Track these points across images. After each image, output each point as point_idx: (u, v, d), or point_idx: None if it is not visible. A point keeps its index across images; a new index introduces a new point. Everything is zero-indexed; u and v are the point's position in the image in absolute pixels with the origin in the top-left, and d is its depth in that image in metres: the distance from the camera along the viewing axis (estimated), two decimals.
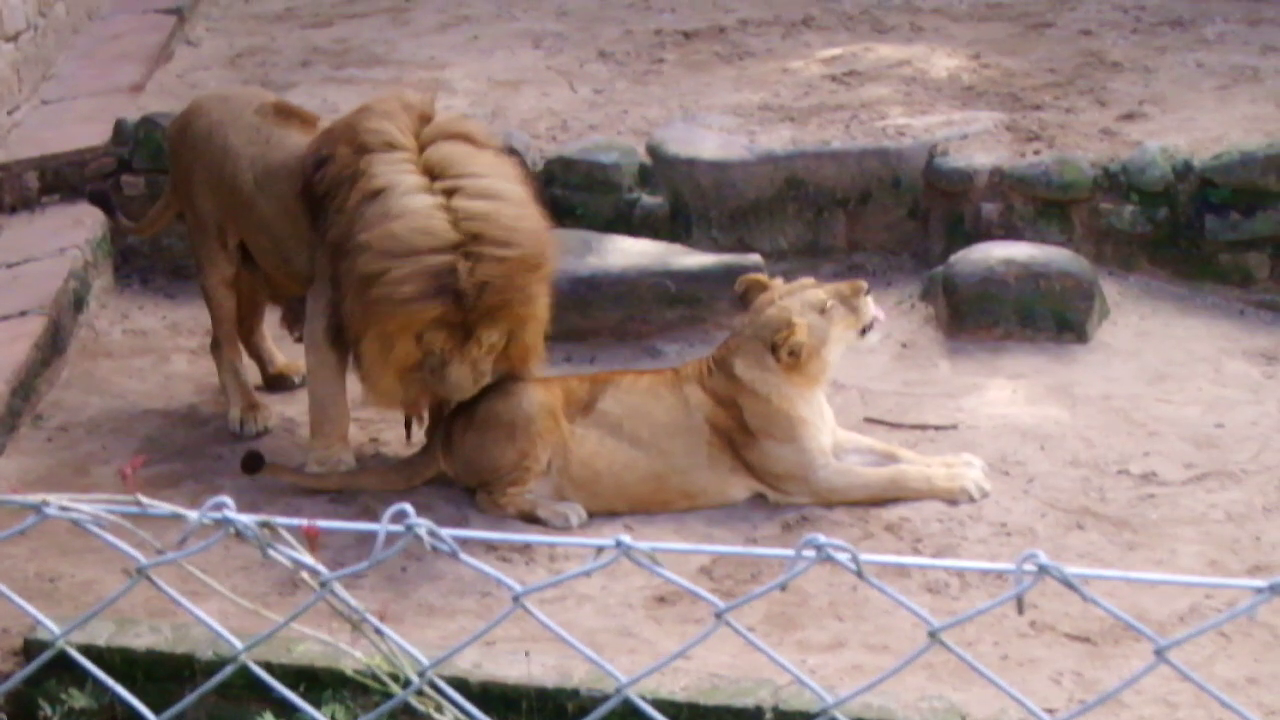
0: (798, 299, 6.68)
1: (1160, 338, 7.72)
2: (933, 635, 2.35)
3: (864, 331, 6.74)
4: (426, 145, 6.70)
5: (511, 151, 7.91)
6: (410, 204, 6.49)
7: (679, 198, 8.31)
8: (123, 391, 7.66)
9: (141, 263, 8.56)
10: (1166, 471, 6.80)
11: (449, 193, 6.53)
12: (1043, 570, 2.24)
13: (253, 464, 6.75)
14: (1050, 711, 5.42)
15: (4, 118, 8.77)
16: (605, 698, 5.55)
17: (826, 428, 6.75)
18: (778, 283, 6.83)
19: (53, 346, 7.70)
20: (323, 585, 2.35)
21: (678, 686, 5.54)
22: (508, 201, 6.59)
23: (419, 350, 6.52)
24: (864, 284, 6.80)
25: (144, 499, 2.37)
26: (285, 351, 7.66)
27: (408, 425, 6.99)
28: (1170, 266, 8.03)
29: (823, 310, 6.65)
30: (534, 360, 6.73)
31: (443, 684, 2.48)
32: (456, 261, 6.40)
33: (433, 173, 6.61)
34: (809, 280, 6.88)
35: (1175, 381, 7.41)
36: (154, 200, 8.24)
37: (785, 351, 6.57)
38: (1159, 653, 2.29)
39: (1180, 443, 6.98)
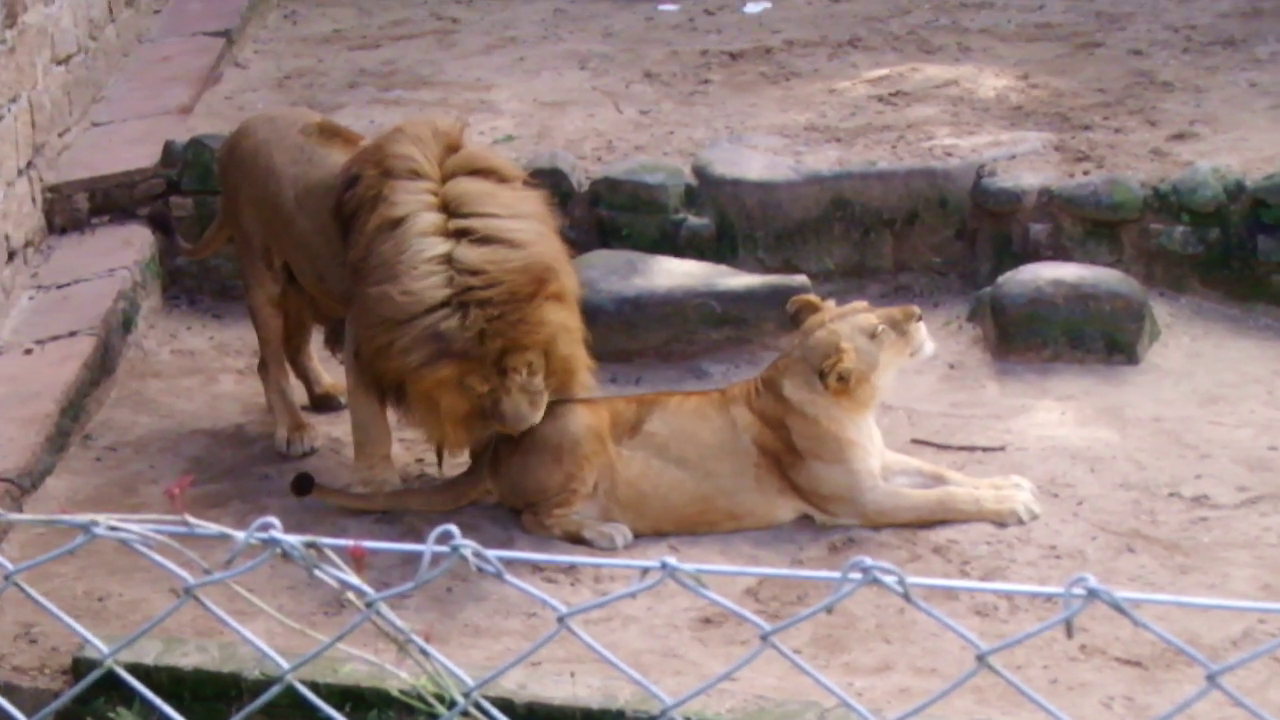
0: (848, 323, 6.65)
1: (1212, 359, 7.67)
2: (981, 659, 2.33)
3: (914, 355, 6.72)
4: (450, 177, 6.73)
5: (555, 174, 7.92)
6: (416, 252, 6.55)
7: (725, 218, 8.29)
8: (171, 411, 7.68)
9: (189, 283, 8.58)
10: (1219, 494, 6.75)
11: (459, 234, 6.58)
12: (1093, 594, 2.21)
13: (302, 486, 6.76)
14: None
15: (54, 140, 8.81)
16: (651, 719, 5.54)
17: (875, 449, 6.73)
18: (829, 304, 6.80)
19: (102, 367, 7.73)
20: (369, 606, 2.34)
21: (723, 708, 5.53)
22: (505, 244, 6.60)
23: (465, 400, 6.55)
24: (916, 309, 6.76)
25: (191, 519, 2.37)
26: (331, 372, 7.67)
27: (439, 453, 6.98)
28: (1222, 287, 7.98)
29: (873, 335, 6.61)
30: (581, 369, 6.72)
31: (488, 705, 2.47)
32: (444, 319, 6.45)
33: (450, 209, 6.65)
34: (861, 304, 6.85)
35: (1227, 403, 7.36)
36: (202, 221, 8.28)
37: (833, 377, 6.54)
38: (1211, 678, 2.27)
39: (1232, 465, 6.93)
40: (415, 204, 6.66)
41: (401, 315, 6.52)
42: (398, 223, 6.64)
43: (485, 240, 6.58)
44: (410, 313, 6.51)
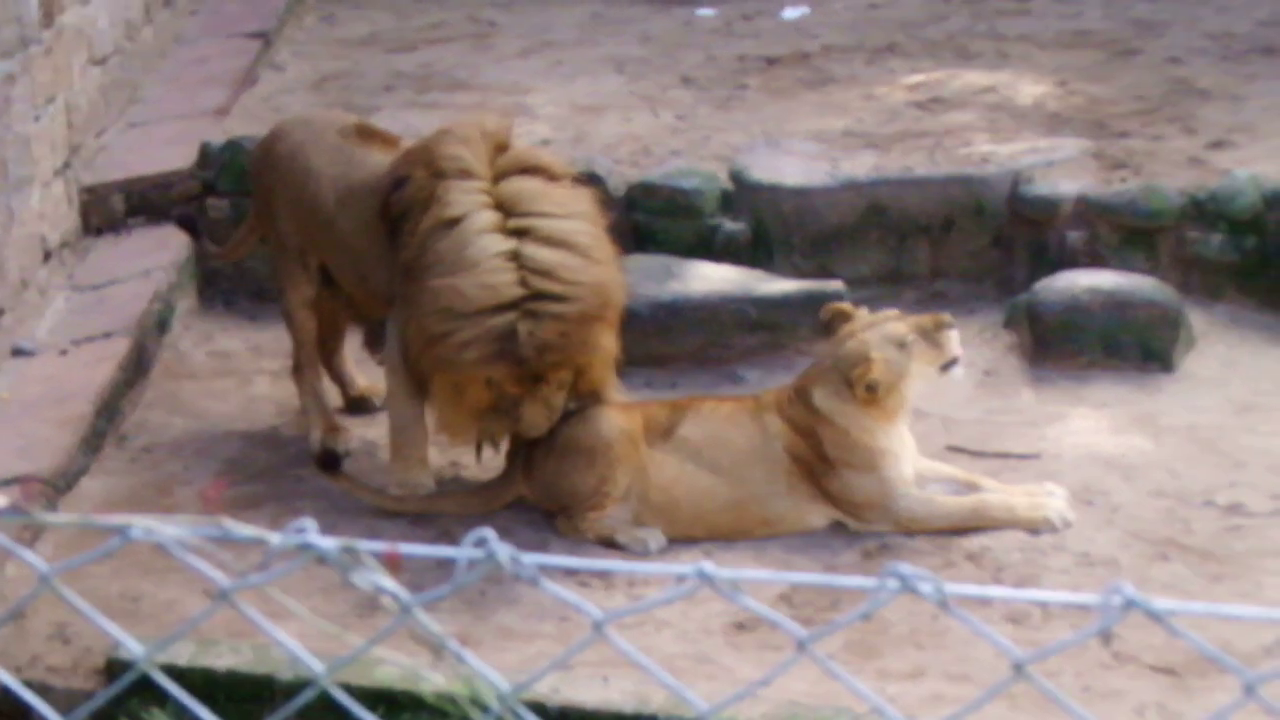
0: (878, 332, 6.63)
1: (1248, 367, 7.64)
2: (1018, 668, 2.32)
3: (946, 367, 6.69)
4: (501, 176, 6.75)
5: (592, 178, 7.93)
6: (481, 248, 6.55)
7: (761, 224, 8.29)
8: (205, 413, 7.70)
9: (225, 285, 8.60)
10: (1253, 502, 6.73)
11: (520, 233, 6.58)
12: (1130, 603, 2.21)
13: (330, 462, 6.78)
14: None
15: (91, 141, 8.84)
16: None
17: (907, 456, 6.71)
18: (862, 312, 6.78)
19: (137, 368, 7.75)
20: (404, 610, 2.34)
21: (756, 714, 5.52)
22: (575, 249, 6.63)
23: (490, 395, 6.58)
24: (948, 318, 6.74)
25: (228, 522, 2.37)
26: (366, 374, 7.68)
27: (478, 449, 7.00)
28: (1259, 296, 7.95)
29: (903, 345, 6.59)
30: (605, 389, 6.75)
31: (522, 709, 2.47)
32: (517, 322, 6.48)
33: (505, 208, 6.66)
34: (893, 312, 6.83)
35: (1263, 412, 7.33)
36: (238, 223, 8.29)
37: (861, 388, 6.53)
38: (1249, 688, 2.26)
39: (1268, 474, 6.90)
40: (470, 203, 6.68)
41: (469, 308, 6.51)
42: (454, 222, 6.65)
43: (551, 242, 6.60)
44: (480, 306, 6.50)
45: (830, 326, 6.80)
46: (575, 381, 6.63)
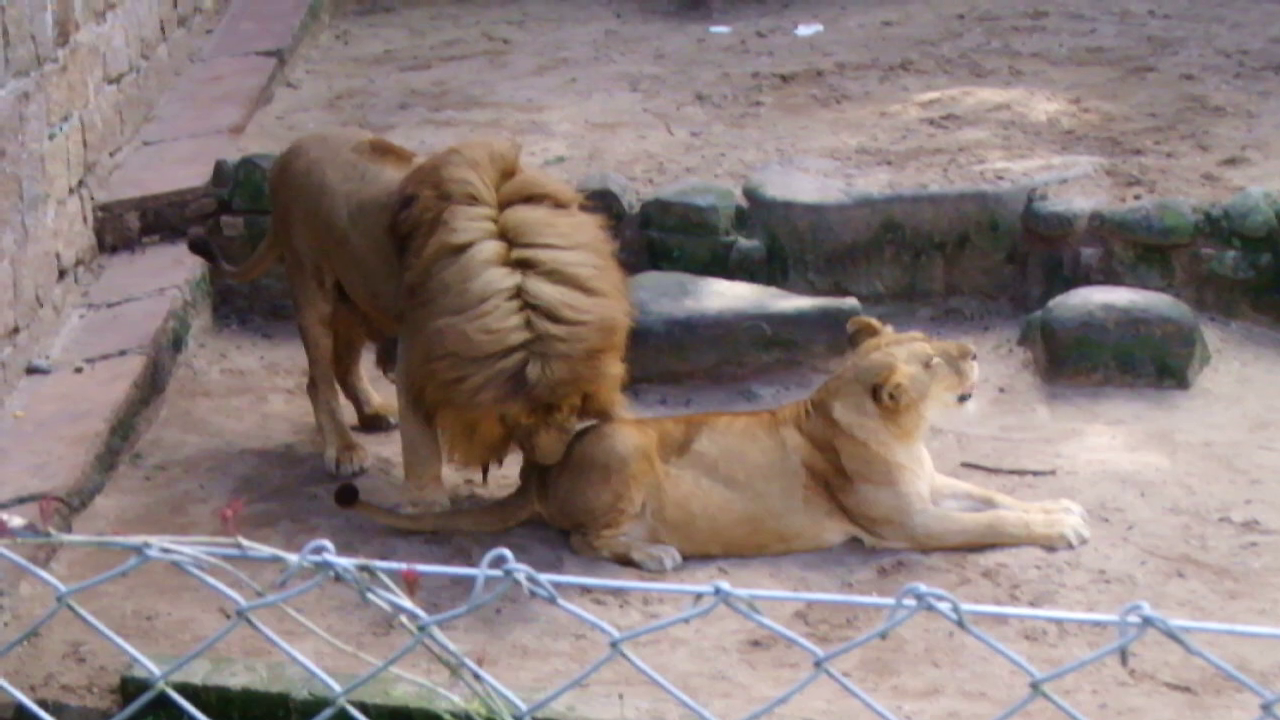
0: (904, 349, 6.64)
1: (1262, 384, 7.63)
2: (1035, 687, 2.31)
3: (962, 399, 6.70)
4: (507, 203, 6.77)
5: (606, 195, 7.94)
6: (485, 283, 6.59)
7: (775, 241, 8.29)
8: (220, 431, 7.70)
9: (240, 303, 8.61)
10: (1269, 519, 6.71)
11: (524, 264, 6.61)
12: (1148, 622, 2.20)
13: (346, 497, 6.77)
14: None
15: (106, 159, 8.85)
16: None
17: (924, 473, 6.71)
18: (888, 330, 6.79)
19: (152, 386, 7.75)
20: (421, 629, 2.34)
21: None
22: (578, 284, 6.66)
23: (502, 429, 6.68)
24: (972, 348, 6.75)
25: (244, 541, 2.38)
26: (381, 392, 7.68)
27: (484, 471, 7.02)
28: (1273, 312, 7.94)
29: (927, 365, 6.60)
30: (613, 409, 6.78)
31: None
32: (527, 360, 6.53)
33: (510, 237, 6.69)
34: (918, 334, 6.85)
35: (1278, 429, 7.32)
36: (253, 241, 8.30)
37: (886, 393, 6.52)
38: (1266, 707, 2.25)
39: None
40: (476, 231, 6.70)
41: (478, 353, 6.56)
42: (459, 249, 6.68)
43: (554, 276, 6.64)
44: (487, 351, 6.56)
45: (854, 339, 6.81)
46: (584, 404, 6.67)
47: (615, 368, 6.71)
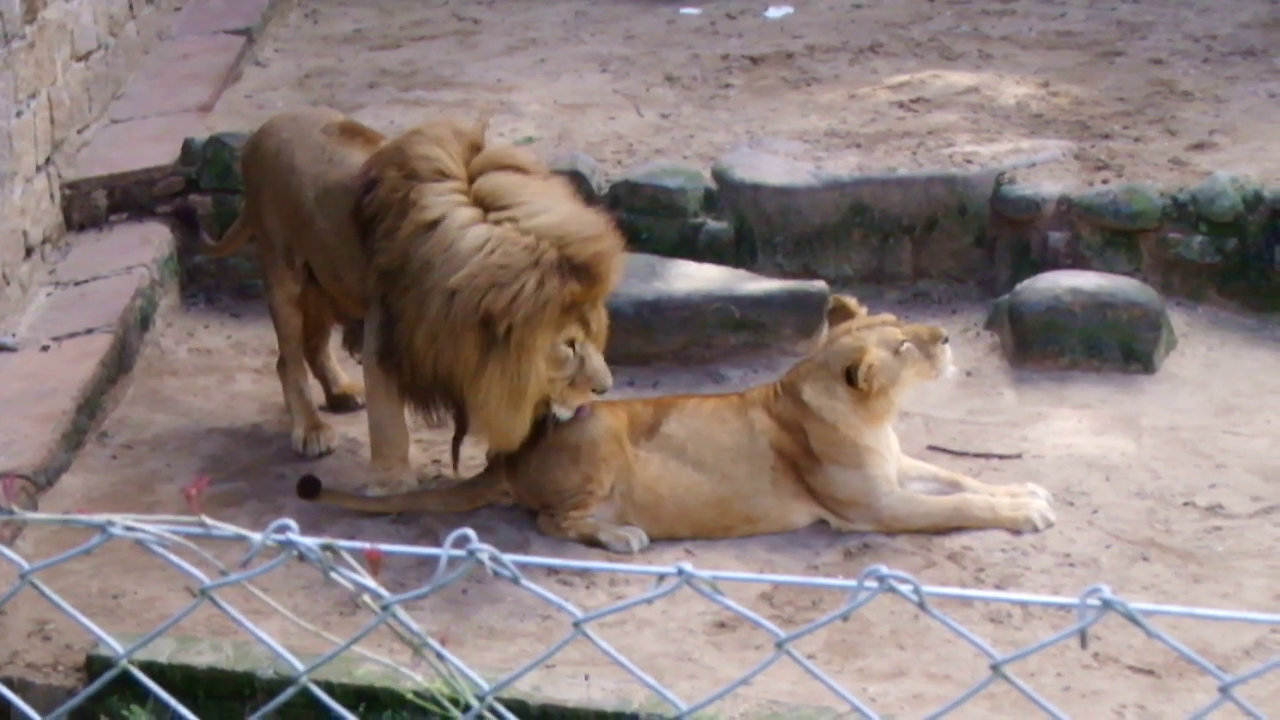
0: (875, 333, 6.64)
1: (1228, 369, 7.66)
2: (995, 669, 2.33)
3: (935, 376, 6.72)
4: (476, 175, 6.68)
5: (575, 176, 7.92)
6: (472, 238, 6.46)
7: (744, 223, 8.30)
8: (187, 410, 7.69)
9: (207, 282, 8.60)
10: (1233, 504, 6.74)
11: (503, 223, 6.51)
12: (1107, 605, 2.22)
13: (309, 489, 6.75)
14: None
15: (74, 136, 8.83)
16: None
17: (891, 456, 6.73)
18: (863, 312, 6.79)
19: (119, 364, 7.74)
20: (384, 609, 2.34)
21: (737, 713, 5.53)
22: (564, 212, 6.58)
23: (557, 359, 6.49)
24: (943, 331, 6.76)
25: (209, 520, 2.38)
26: (349, 372, 7.67)
27: (455, 452, 6.96)
28: (1239, 297, 7.98)
29: (897, 351, 6.60)
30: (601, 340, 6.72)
31: (501, 708, 2.47)
32: (559, 251, 6.40)
33: (484, 203, 6.59)
34: (890, 317, 6.84)
35: (1243, 413, 7.35)
36: (221, 219, 8.30)
37: (860, 376, 6.50)
38: (1224, 689, 2.27)
39: (1248, 475, 6.92)
40: (447, 204, 6.59)
41: (518, 266, 6.37)
42: (433, 224, 6.56)
43: (539, 215, 6.53)
44: (522, 264, 6.37)
45: (831, 318, 6.82)
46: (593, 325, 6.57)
47: (614, 279, 6.64)
